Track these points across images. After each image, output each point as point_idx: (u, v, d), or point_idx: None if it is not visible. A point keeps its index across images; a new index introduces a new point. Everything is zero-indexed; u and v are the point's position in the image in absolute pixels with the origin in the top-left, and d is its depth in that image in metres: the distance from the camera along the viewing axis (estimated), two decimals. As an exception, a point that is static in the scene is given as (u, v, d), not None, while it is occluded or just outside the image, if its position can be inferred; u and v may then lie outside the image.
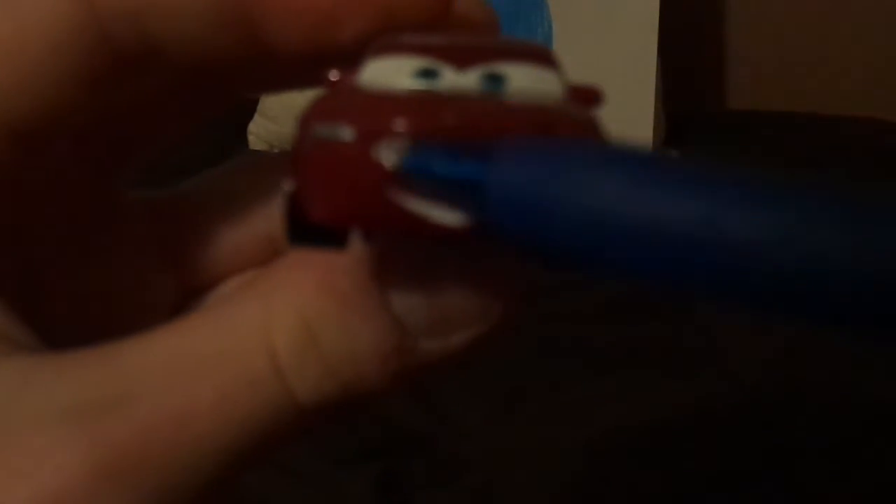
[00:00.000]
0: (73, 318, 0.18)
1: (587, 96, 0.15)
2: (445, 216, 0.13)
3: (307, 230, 0.14)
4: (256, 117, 1.19)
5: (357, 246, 0.14)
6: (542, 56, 0.15)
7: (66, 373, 0.14)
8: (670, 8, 1.13)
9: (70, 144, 0.17)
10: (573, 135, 0.13)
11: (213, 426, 0.14)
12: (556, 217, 0.10)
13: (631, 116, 1.08)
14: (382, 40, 0.15)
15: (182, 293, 0.19)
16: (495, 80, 0.14)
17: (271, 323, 0.14)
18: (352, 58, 0.15)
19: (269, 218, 0.19)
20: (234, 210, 0.19)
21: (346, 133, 0.13)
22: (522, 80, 0.14)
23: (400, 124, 0.13)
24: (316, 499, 0.56)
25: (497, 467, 0.58)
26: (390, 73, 0.14)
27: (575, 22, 1.12)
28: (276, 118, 1.16)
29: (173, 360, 0.14)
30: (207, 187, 0.20)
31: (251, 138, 1.18)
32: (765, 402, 0.63)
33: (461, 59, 0.14)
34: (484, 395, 0.63)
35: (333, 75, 0.15)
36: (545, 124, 0.13)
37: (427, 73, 0.14)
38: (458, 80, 0.14)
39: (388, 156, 0.13)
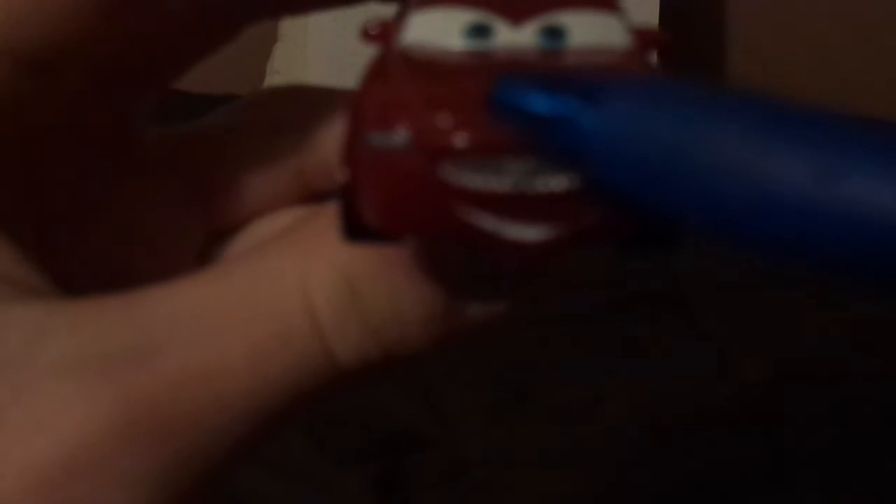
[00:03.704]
0: (96, 264, 0.17)
1: (654, 41, 0.13)
2: (521, 232, 0.11)
3: (363, 225, 0.13)
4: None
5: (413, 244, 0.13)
6: (602, 0, 0.13)
7: (86, 320, 0.13)
8: (670, 8, 1.13)
9: (86, 77, 0.16)
10: None
11: (245, 384, 0.13)
12: (668, 167, 0.09)
13: (631, 116, 1.08)
14: None
15: (210, 234, 0.18)
16: (554, 34, 0.13)
17: (311, 278, 0.13)
18: None
19: (297, 151, 0.17)
20: (261, 145, 0.18)
21: (402, 140, 0.12)
22: (584, 32, 0.13)
23: (461, 139, 0.11)
24: (316, 499, 0.56)
25: (497, 467, 0.58)
26: (438, 30, 0.13)
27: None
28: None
29: (204, 312, 0.13)
30: (230, 122, 0.18)
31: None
32: (765, 402, 0.63)
33: (516, 11, 0.13)
34: (484, 395, 0.63)
35: (373, 29, 0.13)
36: None
37: (479, 31, 0.13)
38: (514, 36, 0.13)
39: (454, 174, 0.11)
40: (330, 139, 0.17)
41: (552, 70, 0.12)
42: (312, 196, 0.18)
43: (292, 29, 1.08)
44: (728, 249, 0.09)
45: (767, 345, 0.67)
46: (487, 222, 0.12)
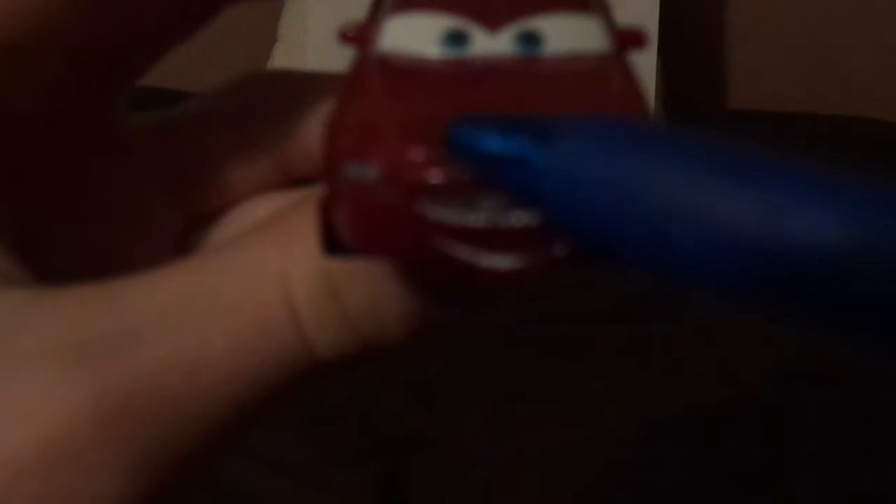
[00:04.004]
0: (75, 252, 0.17)
1: (633, 42, 0.13)
2: (495, 261, 0.12)
3: (341, 241, 0.13)
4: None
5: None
6: (579, 1, 0.13)
7: (65, 309, 0.13)
8: (670, 8, 1.13)
9: (65, 62, 0.15)
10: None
11: (223, 373, 0.13)
12: (616, 208, 0.09)
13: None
14: None
15: (189, 221, 0.18)
16: (531, 40, 0.13)
17: (291, 271, 0.13)
18: None
19: (279, 137, 0.17)
20: (242, 130, 0.18)
21: (377, 174, 0.12)
22: (560, 37, 0.13)
23: (436, 176, 0.11)
24: (316, 499, 0.56)
25: (497, 467, 0.58)
26: (415, 37, 0.13)
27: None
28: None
29: (184, 302, 0.13)
30: (210, 108, 0.18)
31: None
32: (765, 402, 0.63)
33: (492, 16, 0.13)
34: (484, 395, 0.63)
35: (350, 31, 0.13)
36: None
37: (456, 38, 0.13)
38: (490, 44, 0.13)
39: (429, 208, 0.12)
40: (312, 125, 0.17)
41: (512, 104, 0.12)
42: (294, 181, 0.18)
43: (292, 29, 1.08)
44: (680, 287, 0.09)
45: (767, 345, 0.67)
46: (462, 252, 0.12)
